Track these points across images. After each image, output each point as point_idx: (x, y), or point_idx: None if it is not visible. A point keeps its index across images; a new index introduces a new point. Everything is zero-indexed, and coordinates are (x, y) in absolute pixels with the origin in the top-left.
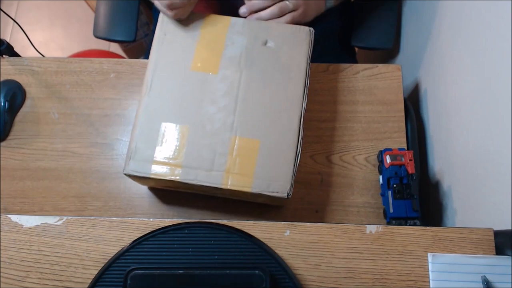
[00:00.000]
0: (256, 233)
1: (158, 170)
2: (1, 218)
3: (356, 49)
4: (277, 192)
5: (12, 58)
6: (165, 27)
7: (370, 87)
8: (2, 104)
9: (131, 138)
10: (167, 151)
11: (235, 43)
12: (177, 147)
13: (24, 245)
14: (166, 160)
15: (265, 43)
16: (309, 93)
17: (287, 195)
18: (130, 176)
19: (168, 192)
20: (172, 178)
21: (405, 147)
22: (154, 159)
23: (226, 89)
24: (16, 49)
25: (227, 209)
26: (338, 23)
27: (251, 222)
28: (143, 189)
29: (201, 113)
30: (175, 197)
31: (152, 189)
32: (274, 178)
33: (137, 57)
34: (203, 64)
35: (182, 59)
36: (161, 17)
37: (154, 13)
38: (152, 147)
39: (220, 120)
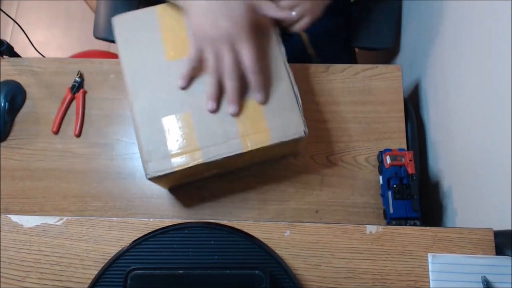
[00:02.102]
0: (256, 233)
1: (180, 161)
2: (1, 218)
3: (356, 49)
4: (295, 134)
5: (12, 59)
6: (123, 33)
7: (370, 87)
8: (2, 104)
9: (139, 145)
10: (179, 142)
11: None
12: (187, 134)
13: (24, 245)
14: (183, 150)
15: None
16: (309, 93)
17: (304, 133)
18: (154, 179)
19: (168, 192)
20: (196, 162)
21: (405, 148)
22: (171, 153)
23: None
24: (16, 50)
25: (226, 209)
26: (338, 23)
27: (251, 222)
28: (143, 189)
29: (194, 95)
30: (175, 197)
31: (161, 189)
32: (287, 124)
33: None
34: (175, 51)
35: (154, 55)
36: (116, 27)
37: None
38: (163, 144)
39: None
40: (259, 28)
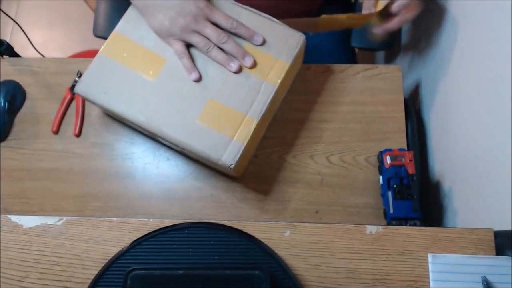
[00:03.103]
0: (256, 233)
1: (242, 135)
2: (1, 219)
3: (356, 49)
4: (298, 44)
5: (12, 59)
6: (97, 90)
7: (370, 87)
8: (2, 104)
9: (201, 155)
10: (227, 123)
11: (145, 38)
12: (226, 114)
13: (24, 245)
14: (235, 126)
15: None
16: (309, 93)
17: (302, 37)
18: (236, 167)
19: (168, 192)
20: (254, 125)
21: (405, 148)
22: (230, 137)
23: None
24: (16, 50)
25: (226, 209)
26: None
27: (251, 222)
28: (143, 189)
29: (204, 83)
30: (175, 197)
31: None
32: (286, 41)
33: None
34: (152, 67)
35: (140, 86)
36: (81, 86)
37: None
38: (218, 137)
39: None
40: None
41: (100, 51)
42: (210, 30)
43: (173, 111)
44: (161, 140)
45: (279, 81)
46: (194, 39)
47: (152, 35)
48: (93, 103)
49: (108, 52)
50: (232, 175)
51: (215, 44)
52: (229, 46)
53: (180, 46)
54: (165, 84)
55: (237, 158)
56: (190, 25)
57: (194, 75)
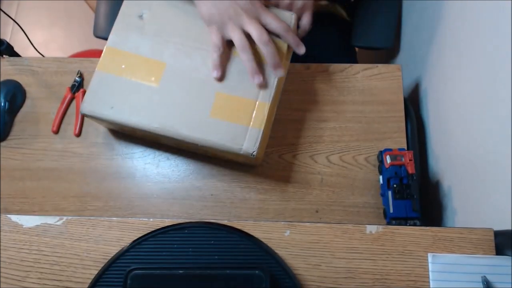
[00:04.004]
0: (256, 233)
1: (258, 119)
2: (1, 218)
3: (356, 49)
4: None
5: (12, 58)
6: (103, 103)
7: (370, 87)
8: (2, 104)
9: (221, 149)
10: (241, 111)
11: (139, 46)
12: (237, 100)
13: (24, 245)
14: (249, 110)
15: None
16: (309, 93)
17: (292, 16)
18: (258, 152)
19: (168, 192)
20: (268, 104)
21: (405, 147)
22: (247, 125)
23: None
24: (16, 49)
25: (226, 209)
26: (338, 23)
27: (251, 222)
28: (143, 189)
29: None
30: (175, 197)
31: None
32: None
33: None
34: (153, 73)
35: (145, 94)
36: (86, 105)
37: None
38: (236, 127)
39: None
40: None
41: (97, 68)
42: (255, 28)
43: (184, 111)
44: (173, 142)
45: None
46: (234, 33)
47: (145, 41)
48: (102, 120)
49: (105, 67)
50: (251, 164)
51: (250, 46)
52: (268, 51)
53: (218, 39)
54: (170, 87)
55: (257, 145)
56: (238, 16)
57: (217, 73)
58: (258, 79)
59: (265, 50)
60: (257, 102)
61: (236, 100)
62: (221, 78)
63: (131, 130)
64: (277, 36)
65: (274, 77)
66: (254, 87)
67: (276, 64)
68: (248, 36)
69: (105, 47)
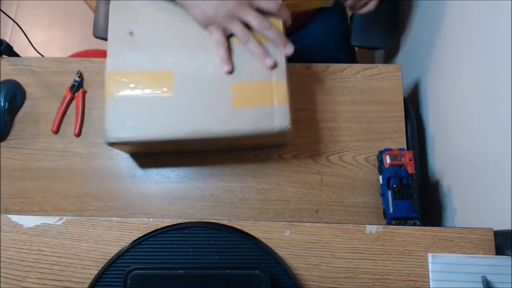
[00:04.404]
0: (256, 233)
1: (282, 111)
2: (1, 218)
3: (356, 49)
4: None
5: (12, 58)
6: (125, 126)
7: (370, 87)
8: (2, 104)
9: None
10: (259, 95)
11: (140, 62)
12: (257, 86)
13: (24, 245)
14: (280, 96)
15: None
16: (309, 93)
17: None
18: (291, 127)
19: (168, 192)
20: (283, 81)
21: (405, 147)
22: (269, 113)
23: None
24: (16, 49)
25: (226, 209)
26: (338, 22)
27: (251, 222)
28: (143, 189)
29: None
30: (175, 197)
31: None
32: None
33: None
34: (164, 83)
35: (161, 106)
36: (110, 134)
37: None
38: (267, 109)
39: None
40: None
41: (106, 96)
42: (253, 17)
43: (207, 110)
44: (199, 146)
45: (283, 35)
46: (235, 28)
47: (144, 56)
48: (130, 143)
49: (113, 92)
50: (282, 143)
51: (253, 38)
52: (272, 33)
53: (219, 36)
54: (185, 92)
55: (288, 118)
56: (233, 11)
57: (227, 67)
58: (269, 61)
59: (269, 33)
60: (273, 81)
61: (252, 85)
62: (232, 71)
63: (158, 146)
64: (271, 14)
65: (280, 54)
66: (264, 68)
67: (283, 42)
68: (245, 25)
69: (106, 73)
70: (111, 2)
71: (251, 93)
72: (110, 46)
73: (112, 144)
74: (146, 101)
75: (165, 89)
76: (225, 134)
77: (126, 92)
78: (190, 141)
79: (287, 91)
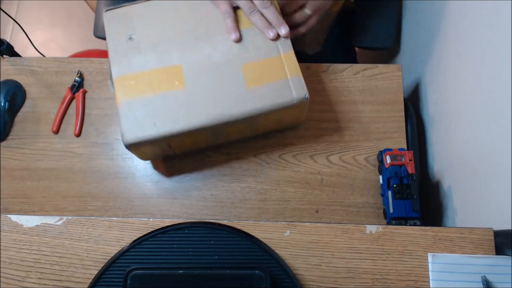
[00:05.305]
0: (256, 233)
1: (299, 95)
2: (1, 218)
3: (356, 49)
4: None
5: (12, 58)
6: (143, 125)
7: (370, 87)
8: (2, 104)
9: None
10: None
11: (146, 62)
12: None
13: (24, 245)
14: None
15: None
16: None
17: None
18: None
19: (168, 192)
20: (291, 56)
21: (405, 147)
22: (290, 91)
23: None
24: (16, 49)
25: (226, 209)
26: (338, 23)
27: (251, 222)
28: (143, 189)
29: (243, 44)
30: (175, 197)
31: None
32: None
33: None
34: (175, 80)
35: (175, 102)
36: (129, 135)
37: None
38: (287, 85)
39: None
40: None
41: (118, 101)
42: None
43: (223, 96)
44: (220, 137)
45: (280, 16)
46: (242, 2)
47: (148, 56)
48: (150, 141)
49: (124, 96)
50: (301, 119)
51: (258, 10)
52: (270, 12)
53: (226, 7)
54: (197, 83)
55: (305, 87)
56: None
57: (234, 36)
58: (272, 32)
59: (267, 12)
60: (282, 56)
61: (262, 63)
62: (239, 39)
63: (179, 143)
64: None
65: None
66: (271, 45)
67: (279, 23)
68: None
69: (114, 79)
70: (104, 14)
71: (262, 71)
72: (111, 54)
73: (131, 146)
74: (160, 99)
75: (176, 83)
76: (246, 114)
77: (138, 94)
78: (211, 130)
79: (297, 62)
